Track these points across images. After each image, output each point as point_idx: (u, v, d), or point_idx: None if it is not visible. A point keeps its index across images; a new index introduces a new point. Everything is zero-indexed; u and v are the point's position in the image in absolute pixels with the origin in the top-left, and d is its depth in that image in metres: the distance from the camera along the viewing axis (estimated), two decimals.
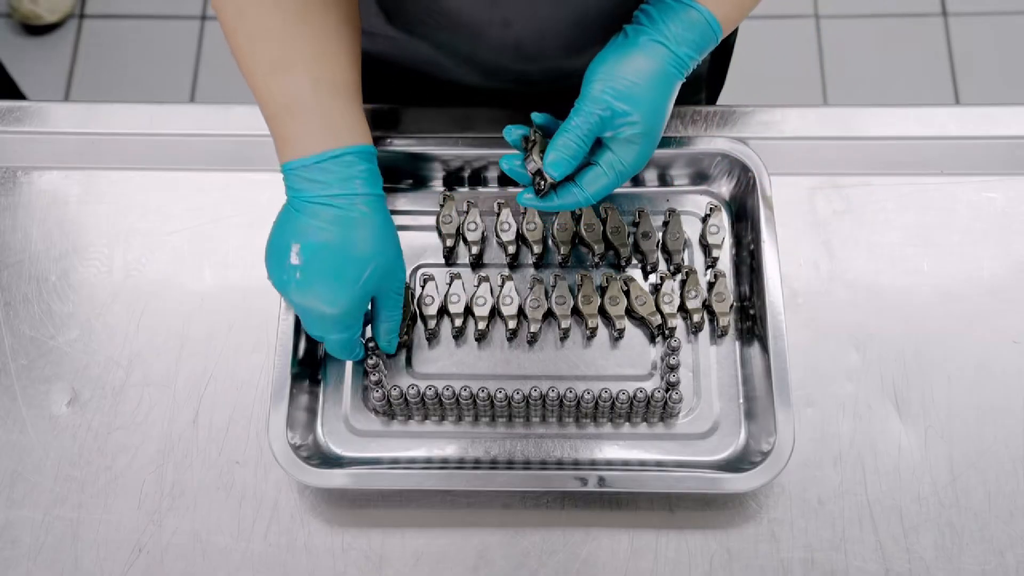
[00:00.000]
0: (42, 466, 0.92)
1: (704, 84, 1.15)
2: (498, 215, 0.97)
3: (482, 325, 0.95)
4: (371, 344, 0.92)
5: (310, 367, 0.94)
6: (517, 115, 0.92)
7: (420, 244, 1.00)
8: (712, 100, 1.20)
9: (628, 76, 0.83)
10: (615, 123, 0.84)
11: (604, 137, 0.85)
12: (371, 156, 0.86)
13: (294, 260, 0.84)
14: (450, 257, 0.98)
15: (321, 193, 0.84)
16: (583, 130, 0.83)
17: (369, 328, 0.93)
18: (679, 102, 1.04)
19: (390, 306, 0.90)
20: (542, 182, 0.86)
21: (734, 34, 1.15)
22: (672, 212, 0.98)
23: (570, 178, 0.87)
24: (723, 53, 1.15)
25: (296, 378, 0.91)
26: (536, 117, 0.88)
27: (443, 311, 0.96)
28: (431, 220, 1.00)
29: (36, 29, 2.14)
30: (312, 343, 0.94)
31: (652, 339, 0.96)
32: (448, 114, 1.03)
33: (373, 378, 0.91)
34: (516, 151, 0.88)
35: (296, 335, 0.91)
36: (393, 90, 1.06)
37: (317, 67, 0.84)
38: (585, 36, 0.93)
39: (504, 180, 1.01)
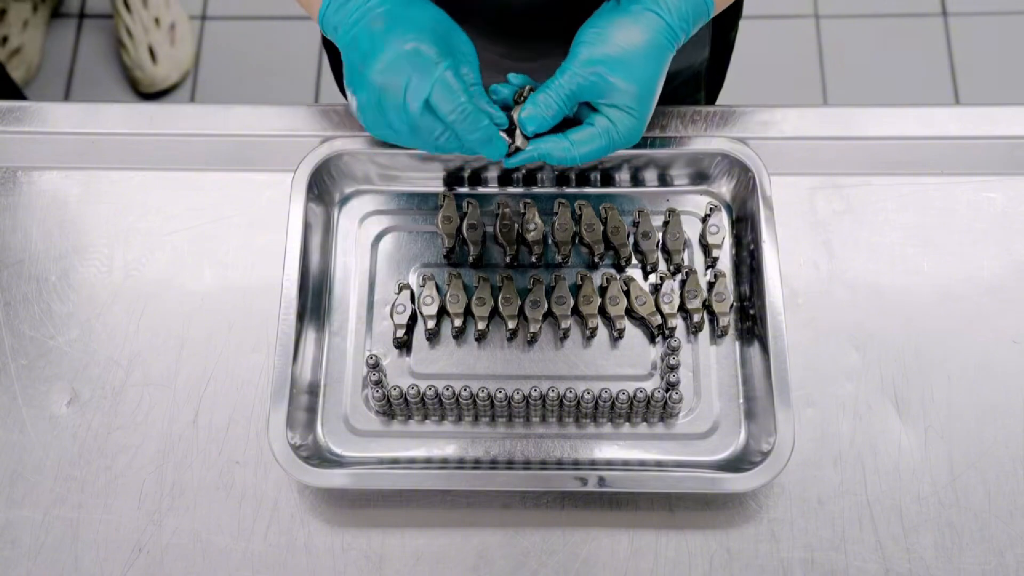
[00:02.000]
0: (42, 466, 0.92)
1: (704, 81, 1.14)
2: (498, 215, 0.97)
3: (482, 325, 0.95)
4: (372, 351, 0.92)
5: (310, 367, 0.94)
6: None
7: (420, 244, 1.00)
8: (712, 98, 1.20)
9: (619, 42, 0.81)
10: (605, 89, 0.82)
11: (598, 103, 0.83)
12: None
13: (352, 106, 0.83)
14: (450, 257, 0.98)
15: (343, 36, 0.83)
16: (566, 90, 0.82)
17: (371, 332, 0.93)
18: (679, 101, 1.04)
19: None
20: (509, 139, 0.83)
21: (734, 30, 1.14)
22: (672, 212, 0.98)
23: (560, 132, 0.84)
24: (723, 49, 1.14)
25: (296, 378, 0.91)
26: (513, 78, 0.86)
27: (443, 311, 0.96)
28: (431, 220, 1.00)
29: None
30: (311, 343, 0.94)
31: (652, 339, 0.96)
32: None
33: (373, 378, 0.91)
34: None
35: (296, 335, 0.91)
36: None
37: None
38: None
39: (504, 180, 1.01)
